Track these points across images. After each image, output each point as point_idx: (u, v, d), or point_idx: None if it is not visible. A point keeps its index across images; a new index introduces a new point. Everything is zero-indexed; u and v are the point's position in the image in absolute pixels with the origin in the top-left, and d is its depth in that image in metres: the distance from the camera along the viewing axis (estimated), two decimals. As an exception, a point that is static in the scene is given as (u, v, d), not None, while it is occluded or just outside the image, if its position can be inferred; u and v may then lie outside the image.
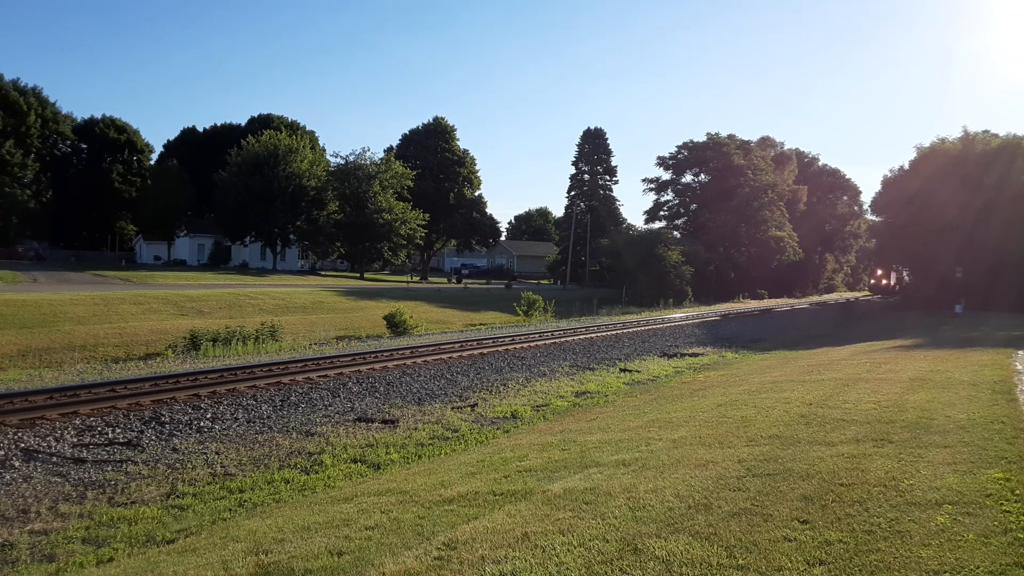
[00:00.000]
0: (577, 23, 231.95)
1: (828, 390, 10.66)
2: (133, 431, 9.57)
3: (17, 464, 8.03)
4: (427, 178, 68.19)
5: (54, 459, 8.28)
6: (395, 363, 15.99)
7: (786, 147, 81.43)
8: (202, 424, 10.11)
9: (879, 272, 74.53)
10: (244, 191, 54.77)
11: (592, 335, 23.27)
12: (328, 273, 64.19)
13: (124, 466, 8.17)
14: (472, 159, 74.10)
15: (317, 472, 8.07)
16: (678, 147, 68.43)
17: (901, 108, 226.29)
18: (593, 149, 73.06)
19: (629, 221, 73.82)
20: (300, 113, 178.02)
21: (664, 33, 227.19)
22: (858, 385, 11.08)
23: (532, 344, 20.32)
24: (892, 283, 71.01)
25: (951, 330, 25.09)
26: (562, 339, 21.77)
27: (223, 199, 56.83)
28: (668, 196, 69.36)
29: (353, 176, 59.15)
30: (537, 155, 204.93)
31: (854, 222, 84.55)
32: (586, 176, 73.72)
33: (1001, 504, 4.78)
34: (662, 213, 68.60)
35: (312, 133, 71.47)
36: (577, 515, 4.98)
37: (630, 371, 16.55)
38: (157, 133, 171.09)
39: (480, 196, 75.16)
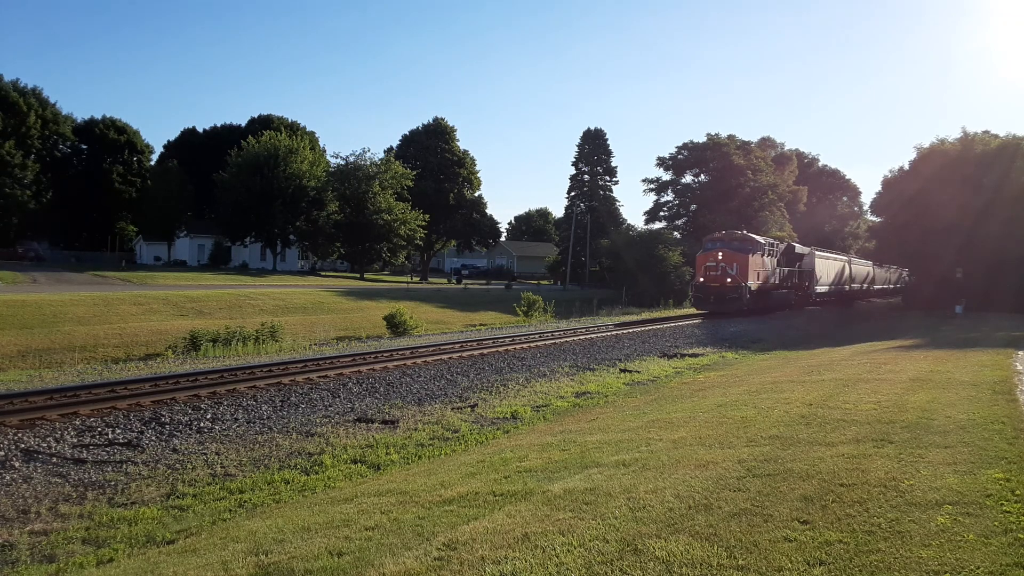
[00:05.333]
0: (577, 23, 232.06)
1: (828, 390, 10.66)
2: (133, 431, 9.57)
3: (17, 464, 8.03)
4: (427, 178, 68.24)
5: (54, 460, 8.28)
6: (395, 364, 15.99)
7: (786, 148, 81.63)
8: (202, 425, 10.11)
9: (718, 257, 32.61)
10: (244, 192, 54.79)
11: (592, 335, 23.25)
12: (328, 273, 64.23)
13: (124, 467, 8.16)
14: (472, 160, 74.23)
15: (317, 473, 8.07)
16: (678, 147, 68.60)
17: (901, 109, 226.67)
18: (593, 150, 73.19)
19: (629, 222, 73.92)
20: (300, 114, 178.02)
21: (664, 34, 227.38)
22: (858, 385, 11.08)
23: (532, 344, 20.32)
24: (743, 282, 31.63)
25: (951, 330, 25.08)
26: (562, 339, 21.76)
27: (223, 200, 56.86)
28: (668, 196, 69.50)
29: (353, 177, 59.19)
30: (537, 155, 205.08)
31: (854, 223, 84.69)
32: (586, 177, 73.83)
33: (1001, 504, 4.78)
34: (662, 213, 68.75)
35: (312, 134, 71.55)
36: (577, 515, 4.98)
37: (630, 371, 16.54)
38: (157, 134, 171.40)
39: (480, 197, 75.28)
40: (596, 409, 11.72)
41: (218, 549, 5.18)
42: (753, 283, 32.51)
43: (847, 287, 49.23)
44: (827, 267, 44.41)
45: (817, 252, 43.62)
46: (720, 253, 32.35)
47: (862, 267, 54.21)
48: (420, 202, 63.98)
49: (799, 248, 41.85)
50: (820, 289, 42.77)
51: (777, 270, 36.23)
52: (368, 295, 39.74)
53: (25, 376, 15.78)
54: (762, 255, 34.06)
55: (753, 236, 34.39)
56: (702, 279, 32.77)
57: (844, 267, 48.28)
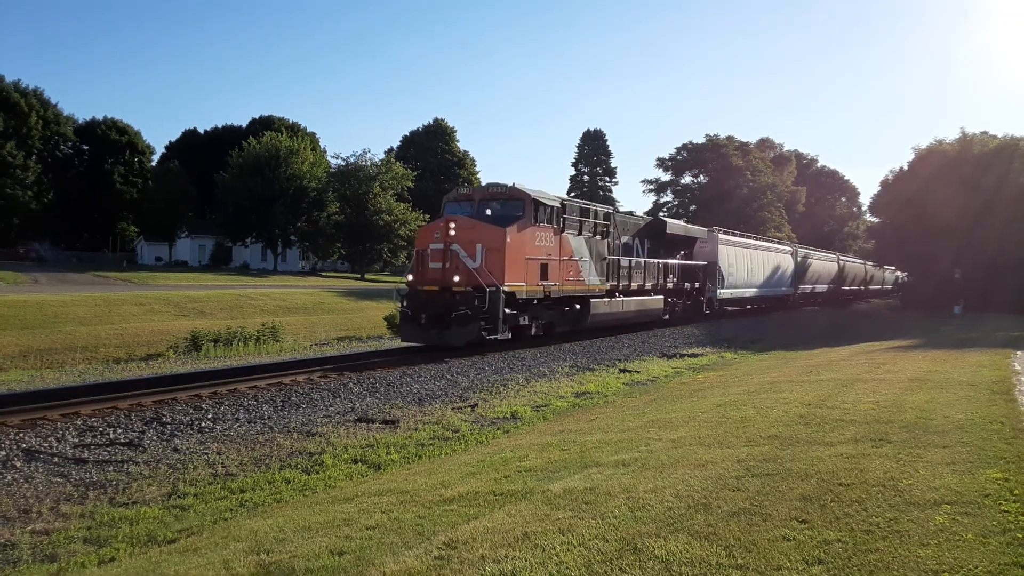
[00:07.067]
0: (578, 24, 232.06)
1: (827, 390, 10.68)
2: (134, 431, 9.59)
3: (19, 464, 8.05)
4: (427, 179, 68.31)
5: (55, 459, 8.30)
6: (395, 364, 16.00)
7: (785, 148, 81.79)
8: (203, 424, 10.13)
9: (448, 233, 16.80)
10: (245, 192, 54.86)
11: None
12: (329, 274, 64.20)
13: (125, 466, 8.18)
14: (472, 160, 74.29)
15: (318, 472, 8.08)
16: (677, 148, 68.88)
17: (901, 109, 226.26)
18: (593, 150, 73.38)
19: (629, 222, 73.71)
20: (301, 115, 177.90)
21: (664, 34, 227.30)
22: (857, 385, 11.10)
23: (532, 345, 20.29)
24: (491, 283, 16.36)
25: (950, 331, 25.11)
26: (562, 340, 21.74)
27: (224, 200, 56.94)
28: (667, 197, 69.71)
29: (353, 177, 59.21)
30: (537, 156, 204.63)
31: (853, 223, 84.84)
32: (586, 177, 74.02)
33: (999, 504, 4.80)
34: (661, 214, 68.84)
35: (313, 135, 71.66)
36: (577, 515, 5.00)
37: (630, 371, 16.55)
38: (158, 134, 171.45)
39: (480, 197, 75.15)
40: (596, 409, 11.75)
41: (219, 548, 5.20)
42: (519, 284, 17.47)
43: (793, 289, 38.85)
44: (746, 261, 31.66)
45: (724, 236, 30.36)
46: (452, 225, 16.86)
47: (823, 263, 45.36)
48: (420, 203, 63.99)
49: (677, 227, 27.65)
50: (728, 293, 30.18)
51: (620, 261, 22.51)
52: (369, 295, 39.77)
53: (27, 376, 15.82)
54: (556, 230, 18.83)
55: (530, 192, 18.24)
56: (411, 277, 17.73)
57: (787, 262, 37.82)
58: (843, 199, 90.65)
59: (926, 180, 42.16)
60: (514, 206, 18.07)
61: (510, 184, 18.69)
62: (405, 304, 17.47)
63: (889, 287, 64.97)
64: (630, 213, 26.46)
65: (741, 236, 34.33)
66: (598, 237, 21.24)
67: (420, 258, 17.58)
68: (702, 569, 3.94)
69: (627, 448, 7.44)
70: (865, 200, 77.87)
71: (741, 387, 12.42)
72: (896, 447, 6.60)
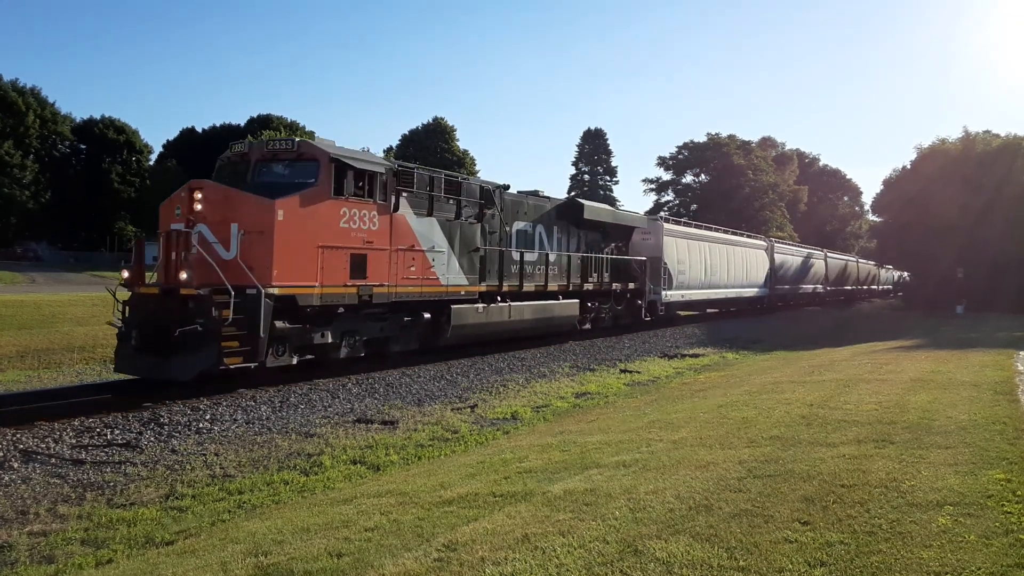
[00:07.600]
0: (578, 23, 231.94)
1: (829, 391, 10.65)
2: (132, 432, 9.56)
3: (16, 465, 8.02)
4: (427, 179, 68.14)
5: (53, 460, 8.27)
6: (394, 363, 15.95)
7: (787, 147, 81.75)
8: (201, 425, 10.09)
9: (192, 206, 11.41)
10: (244, 192, 54.79)
11: (592, 336, 23.22)
12: (328, 274, 64.13)
13: (123, 467, 8.15)
14: (472, 159, 74.16)
15: (316, 473, 8.05)
16: (678, 147, 68.75)
17: (902, 109, 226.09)
18: (593, 149, 73.38)
19: (629, 222, 73.66)
20: (300, 113, 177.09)
21: (665, 33, 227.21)
22: (859, 386, 11.07)
23: (532, 345, 20.26)
24: (251, 283, 11.11)
25: (952, 331, 25.08)
26: (562, 340, 21.71)
27: (223, 200, 56.74)
28: (668, 196, 69.64)
29: (353, 176, 59.10)
30: (537, 155, 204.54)
31: (855, 223, 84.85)
32: (586, 176, 74.00)
33: (1002, 505, 4.78)
34: (662, 213, 68.90)
35: (312, 133, 71.43)
36: (577, 516, 4.97)
37: (630, 372, 16.52)
38: (156, 133, 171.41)
39: (480, 197, 75.12)
40: (596, 410, 11.71)
41: (217, 550, 5.17)
42: (306, 284, 12.26)
43: (767, 290, 36.00)
44: (702, 256, 27.74)
45: (671, 226, 26.60)
46: (198, 195, 11.68)
47: (809, 260, 43.08)
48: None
49: (600, 212, 22.46)
50: (679, 295, 26.26)
51: (508, 254, 17.62)
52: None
53: (24, 376, 15.78)
54: (385, 207, 13.65)
55: (329, 150, 12.72)
56: (127, 273, 12.42)
57: (760, 259, 34.71)
58: (845, 198, 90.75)
59: (929, 179, 42.06)
60: (305, 169, 12.52)
61: (297, 139, 13.22)
62: (124, 315, 11.79)
63: (889, 287, 64.83)
64: (532, 192, 19.88)
65: (696, 227, 29.92)
66: (468, 220, 15.94)
67: (140, 248, 12.82)
68: (703, 571, 3.91)
69: (628, 449, 7.41)
70: (867, 199, 77.86)
71: (743, 387, 12.38)
72: (899, 448, 6.57)
